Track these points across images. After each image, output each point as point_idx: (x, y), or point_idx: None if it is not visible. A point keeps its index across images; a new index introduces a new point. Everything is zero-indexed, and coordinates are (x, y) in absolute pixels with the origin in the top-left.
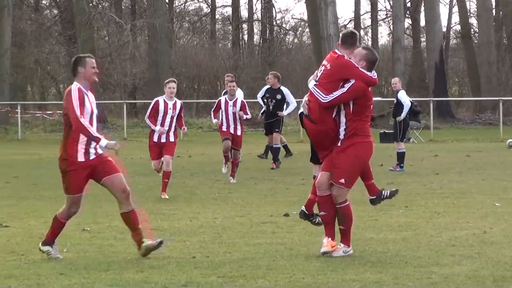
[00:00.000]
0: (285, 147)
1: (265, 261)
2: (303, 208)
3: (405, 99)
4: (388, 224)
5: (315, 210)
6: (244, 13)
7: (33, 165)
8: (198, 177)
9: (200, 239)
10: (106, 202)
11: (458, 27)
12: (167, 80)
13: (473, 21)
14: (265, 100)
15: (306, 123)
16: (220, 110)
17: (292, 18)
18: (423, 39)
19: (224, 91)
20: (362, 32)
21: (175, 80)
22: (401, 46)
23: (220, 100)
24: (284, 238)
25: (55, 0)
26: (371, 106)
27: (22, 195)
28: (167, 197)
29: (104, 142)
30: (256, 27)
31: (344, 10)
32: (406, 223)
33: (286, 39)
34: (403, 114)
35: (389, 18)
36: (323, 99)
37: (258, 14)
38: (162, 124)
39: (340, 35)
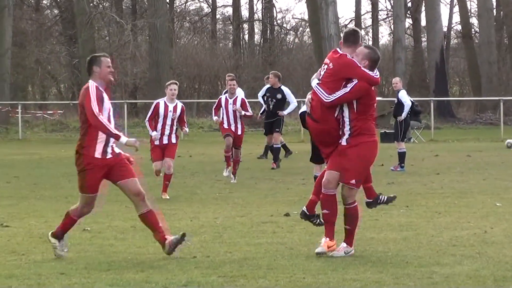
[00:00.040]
0: (284, 146)
1: (265, 261)
2: (304, 208)
3: (406, 99)
4: (389, 224)
5: (317, 210)
6: (244, 13)
7: (34, 165)
8: (199, 177)
9: (201, 239)
10: (106, 202)
11: (459, 27)
12: (168, 82)
13: (473, 21)
14: (266, 99)
15: (309, 121)
16: (221, 108)
17: (292, 18)
18: (423, 39)
19: (225, 90)
20: (363, 32)
21: (177, 82)
22: (402, 46)
23: (220, 98)
24: (284, 238)
25: (56, 0)
26: (375, 105)
27: (23, 195)
28: (167, 197)
29: (123, 139)
30: (257, 27)
31: (344, 10)
32: (407, 223)
33: (287, 39)
34: (404, 114)
35: (389, 18)
36: (325, 99)
37: (258, 14)
38: (163, 127)
39: (342, 33)
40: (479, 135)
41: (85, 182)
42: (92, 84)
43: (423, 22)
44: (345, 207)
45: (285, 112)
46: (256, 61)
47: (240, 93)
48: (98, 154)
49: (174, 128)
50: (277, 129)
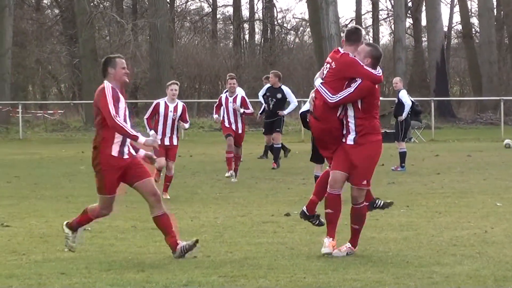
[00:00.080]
0: (281, 145)
1: (266, 261)
2: (304, 208)
3: (406, 99)
4: (389, 224)
5: (320, 211)
6: (245, 12)
7: (34, 165)
8: (199, 177)
9: (201, 239)
10: None
11: (459, 27)
12: (169, 82)
13: (474, 20)
14: (266, 98)
15: (311, 120)
16: (222, 107)
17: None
18: (424, 39)
19: (225, 90)
20: (363, 32)
21: (178, 82)
22: (402, 46)
23: (221, 97)
24: (285, 238)
25: (56, 0)
26: (379, 103)
27: (23, 194)
28: (168, 197)
29: (142, 139)
30: (257, 27)
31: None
32: (407, 222)
33: (287, 38)
34: (404, 114)
35: (390, 18)
36: (330, 99)
37: (259, 14)
38: (164, 127)
39: (344, 31)
40: (480, 135)
41: (102, 183)
42: (107, 85)
43: (424, 22)
44: (354, 207)
45: (285, 112)
46: (257, 61)
47: (240, 92)
48: (115, 153)
49: (175, 129)
50: (277, 129)
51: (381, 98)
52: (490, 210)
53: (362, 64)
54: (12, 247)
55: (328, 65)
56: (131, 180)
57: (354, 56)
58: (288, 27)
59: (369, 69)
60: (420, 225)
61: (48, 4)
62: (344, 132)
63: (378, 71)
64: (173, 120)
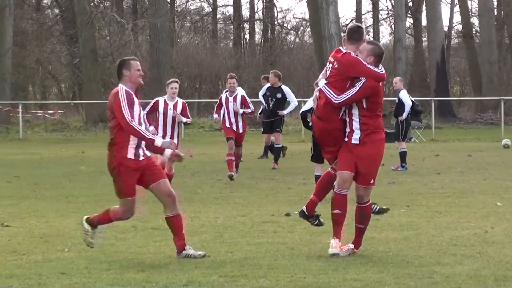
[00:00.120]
0: (270, 147)
1: (266, 261)
2: (303, 208)
3: (407, 99)
4: (390, 224)
5: (320, 211)
6: (245, 12)
7: (34, 165)
8: (199, 177)
9: (202, 239)
10: (107, 202)
11: (460, 27)
12: (169, 81)
13: (474, 20)
14: (266, 98)
15: (314, 119)
16: (223, 107)
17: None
18: (424, 39)
19: (225, 89)
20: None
21: (178, 80)
22: (403, 46)
23: (221, 97)
24: (285, 238)
25: (56, 0)
26: (382, 101)
27: (23, 194)
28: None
29: (159, 141)
30: (258, 27)
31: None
32: (408, 222)
33: (288, 38)
34: (405, 114)
35: (390, 18)
36: (335, 100)
37: (259, 14)
38: (164, 126)
39: (346, 30)
40: (480, 135)
41: (121, 187)
42: (121, 88)
43: (424, 22)
44: (360, 206)
45: (285, 112)
46: (257, 61)
47: (240, 91)
48: (131, 155)
49: (176, 128)
50: (277, 129)
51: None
52: (491, 210)
53: (364, 63)
54: (12, 247)
55: (331, 65)
56: (146, 183)
57: (357, 55)
58: (288, 27)
59: (372, 68)
60: (421, 225)
61: (48, 4)
62: (348, 131)
63: (381, 69)
64: (173, 119)
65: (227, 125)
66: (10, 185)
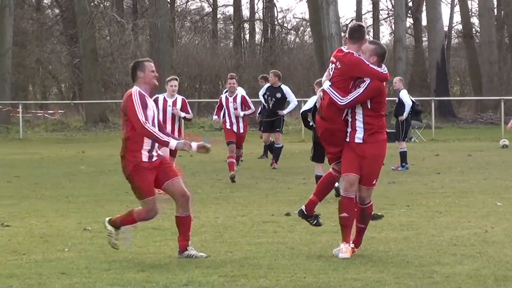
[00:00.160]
0: (268, 146)
1: (266, 261)
2: (303, 207)
3: (407, 99)
4: (390, 224)
5: (320, 211)
6: (245, 12)
7: (35, 165)
8: (200, 177)
9: (202, 239)
10: (107, 202)
11: (460, 27)
12: (168, 78)
13: (474, 20)
14: (266, 98)
15: (317, 119)
16: (223, 108)
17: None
18: (424, 39)
19: (225, 90)
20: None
21: (177, 78)
22: (403, 46)
23: (221, 98)
24: (285, 238)
25: (57, 0)
26: (386, 100)
27: (23, 194)
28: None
29: (173, 143)
30: (258, 27)
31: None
32: (408, 222)
33: (288, 38)
34: (405, 114)
35: (390, 18)
36: (340, 101)
37: (259, 14)
38: (164, 123)
39: (347, 29)
40: (480, 134)
41: (139, 189)
42: (135, 91)
43: (424, 22)
44: (362, 207)
45: (285, 112)
46: (257, 61)
47: (240, 91)
48: (145, 158)
49: (176, 126)
50: (277, 129)
51: None
52: (491, 210)
53: (368, 63)
54: (12, 247)
55: (333, 65)
56: (160, 182)
57: (359, 55)
58: (289, 27)
59: (376, 68)
60: (421, 224)
61: (49, 4)
62: (349, 130)
63: (384, 69)
64: (173, 116)
65: (228, 126)
66: (10, 185)
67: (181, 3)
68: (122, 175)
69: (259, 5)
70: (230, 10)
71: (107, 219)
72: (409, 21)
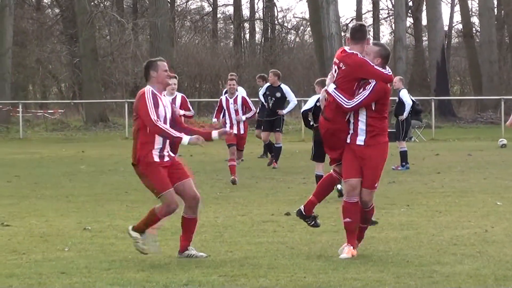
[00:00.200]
0: (268, 146)
1: (266, 260)
2: (301, 207)
3: (407, 98)
4: (390, 223)
5: (325, 211)
6: (245, 12)
7: (35, 164)
8: (200, 176)
9: (202, 238)
10: (107, 202)
11: (460, 26)
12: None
13: (475, 20)
14: (265, 97)
15: (320, 120)
16: (223, 110)
17: (293, 17)
18: (424, 38)
19: (224, 90)
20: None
21: (176, 76)
22: (403, 45)
23: (221, 99)
24: (285, 237)
25: None
26: (389, 102)
27: (23, 194)
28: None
29: (186, 139)
30: (258, 26)
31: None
32: (408, 222)
33: (288, 38)
34: (405, 113)
35: (390, 17)
36: (346, 104)
37: (259, 13)
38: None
39: (349, 29)
40: (480, 134)
41: (154, 184)
42: (148, 90)
43: (424, 21)
44: (365, 210)
45: (285, 111)
46: (257, 60)
47: (241, 92)
48: (156, 158)
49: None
50: (277, 129)
51: None
52: (491, 209)
53: (372, 64)
54: (12, 247)
55: (336, 66)
56: (171, 183)
57: (363, 57)
58: (289, 27)
59: (380, 69)
60: (421, 224)
61: (49, 3)
62: (351, 132)
63: (388, 71)
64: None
65: (228, 128)
66: (10, 184)
67: (181, 3)
68: (122, 174)
69: (259, 5)
70: (230, 10)
71: (130, 227)
72: (409, 21)
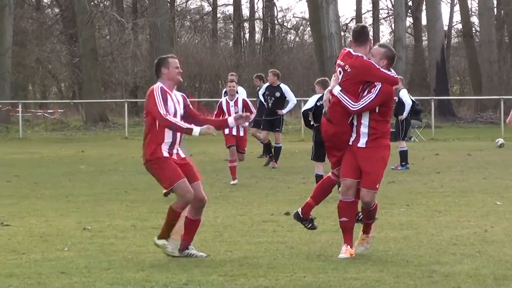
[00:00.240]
0: (266, 145)
1: (266, 260)
2: (299, 210)
3: (407, 98)
4: (389, 223)
5: (324, 210)
6: (245, 11)
7: (34, 164)
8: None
9: (201, 238)
10: (107, 201)
11: (460, 26)
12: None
13: (474, 19)
14: (265, 97)
15: (323, 122)
16: (223, 113)
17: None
18: (424, 38)
19: (224, 90)
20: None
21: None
22: (403, 45)
23: (221, 102)
24: (285, 237)
25: None
26: (393, 105)
27: (23, 194)
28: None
29: (196, 130)
30: (258, 26)
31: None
32: (407, 221)
33: (288, 37)
34: (405, 113)
35: (390, 17)
36: (352, 107)
37: (259, 13)
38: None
39: (352, 32)
40: (480, 134)
41: (165, 177)
42: (157, 87)
43: (424, 21)
44: (368, 209)
45: (284, 111)
46: (257, 60)
47: (241, 93)
48: (165, 153)
49: None
50: (277, 129)
51: None
52: (490, 209)
53: (378, 67)
54: (12, 246)
55: (341, 69)
56: None
57: (369, 58)
58: (288, 26)
59: (386, 72)
60: (420, 224)
61: (48, 3)
62: (354, 135)
63: (394, 73)
64: None
65: (226, 131)
66: (10, 184)
67: (181, 3)
68: (121, 174)
69: (259, 4)
70: (230, 10)
71: (155, 238)
72: (409, 21)
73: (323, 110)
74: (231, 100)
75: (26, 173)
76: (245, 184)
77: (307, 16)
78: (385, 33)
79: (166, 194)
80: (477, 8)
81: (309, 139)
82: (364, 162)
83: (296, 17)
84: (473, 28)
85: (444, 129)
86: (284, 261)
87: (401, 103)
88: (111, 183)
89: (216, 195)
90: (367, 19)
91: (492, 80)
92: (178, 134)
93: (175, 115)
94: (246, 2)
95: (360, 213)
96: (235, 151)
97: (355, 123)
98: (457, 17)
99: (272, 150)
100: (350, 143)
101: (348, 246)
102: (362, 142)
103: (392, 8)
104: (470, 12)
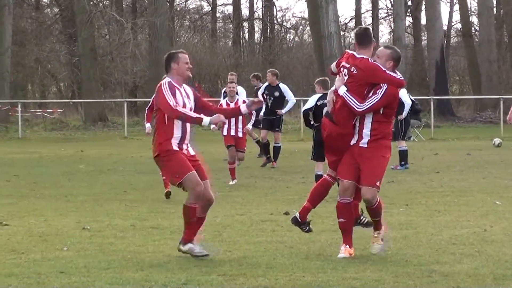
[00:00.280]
0: (264, 144)
1: (265, 260)
2: (297, 215)
3: (406, 98)
4: (389, 223)
5: (324, 210)
6: (245, 11)
7: (34, 164)
8: None
9: (200, 238)
10: (106, 201)
11: (459, 26)
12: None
13: (474, 19)
14: (264, 97)
15: (326, 122)
16: None
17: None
18: (424, 38)
19: (224, 91)
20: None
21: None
22: (402, 45)
23: (221, 104)
24: (284, 237)
25: None
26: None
27: (23, 193)
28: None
29: (206, 120)
30: (257, 26)
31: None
32: (407, 221)
33: (287, 37)
34: (404, 113)
35: (390, 16)
36: (357, 108)
37: (259, 13)
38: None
39: (355, 36)
40: (479, 133)
41: (174, 170)
42: (165, 82)
43: (423, 21)
44: (371, 207)
45: (284, 111)
46: (256, 60)
47: (241, 94)
48: (175, 147)
49: None
50: (277, 129)
51: None
52: (490, 209)
53: (384, 69)
54: (11, 246)
55: (346, 70)
56: None
57: (375, 61)
58: (288, 26)
59: (392, 74)
60: (420, 224)
61: (48, 3)
62: (356, 136)
63: (399, 75)
64: None
65: (225, 132)
66: (9, 184)
67: (180, 2)
68: (121, 174)
69: (259, 4)
70: (229, 9)
71: (179, 245)
72: (409, 20)
73: (326, 111)
74: (231, 102)
75: (25, 172)
76: (244, 184)
77: (306, 15)
78: (385, 33)
79: (167, 195)
80: (476, 7)
81: (309, 138)
82: (364, 160)
83: (296, 16)
84: (473, 28)
85: (443, 129)
86: (283, 261)
87: (400, 103)
88: (110, 182)
89: (215, 194)
90: (367, 19)
91: (492, 79)
92: (188, 129)
93: (184, 106)
94: (246, 1)
95: (361, 218)
96: (234, 152)
97: (358, 125)
98: (456, 16)
99: (271, 150)
100: (351, 143)
101: (347, 246)
102: (363, 142)
103: (392, 8)
104: (469, 12)
